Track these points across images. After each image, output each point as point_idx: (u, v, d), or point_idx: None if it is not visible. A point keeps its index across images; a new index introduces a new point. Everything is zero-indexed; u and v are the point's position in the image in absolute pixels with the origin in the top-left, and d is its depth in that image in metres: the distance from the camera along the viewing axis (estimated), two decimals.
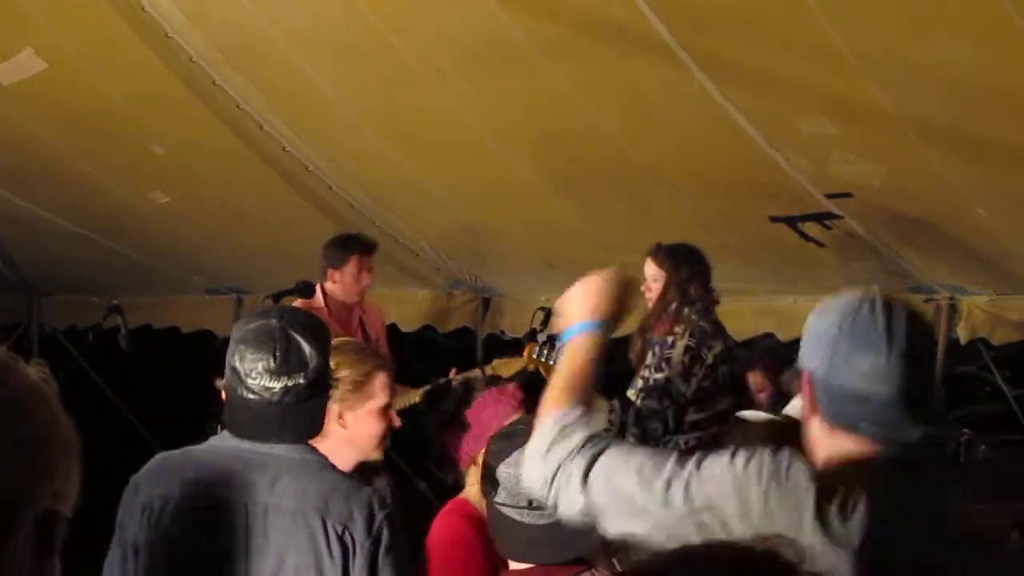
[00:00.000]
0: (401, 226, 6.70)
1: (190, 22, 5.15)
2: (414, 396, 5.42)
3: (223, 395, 2.69)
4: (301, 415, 2.63)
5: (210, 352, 8.12)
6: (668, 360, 4.72)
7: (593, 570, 2.46)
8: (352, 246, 5.84)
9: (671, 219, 5.73)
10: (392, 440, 6.43)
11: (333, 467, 2.68)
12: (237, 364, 2.61)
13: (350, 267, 5.80)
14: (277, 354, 2.58)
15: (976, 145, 4.57)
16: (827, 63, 4.22)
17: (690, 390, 4.70)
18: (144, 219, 6.95)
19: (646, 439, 4.66)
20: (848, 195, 5.11)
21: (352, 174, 6.24)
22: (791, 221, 5.43)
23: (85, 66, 5.50)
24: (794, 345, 6.64)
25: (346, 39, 4.97)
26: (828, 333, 2.03)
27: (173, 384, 8.71)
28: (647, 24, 4.25)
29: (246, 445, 2.62)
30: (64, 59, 5.43)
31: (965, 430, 5.60)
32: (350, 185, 6.33)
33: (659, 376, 4.71)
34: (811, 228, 5.45)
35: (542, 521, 2.44)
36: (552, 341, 4.76)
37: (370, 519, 2.53)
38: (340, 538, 2.52)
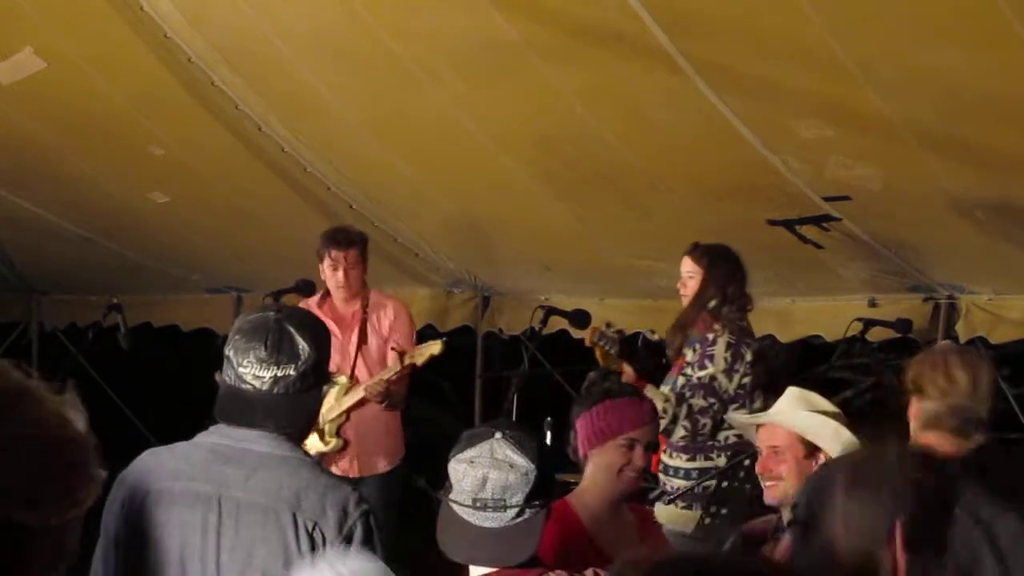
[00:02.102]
0: (400, 226, 6.71)
1: (189, 23, 5.16)
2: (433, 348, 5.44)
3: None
4: (288, 406, 2.64)
5: (210, 351, 8.13)
6: (711, 357, 4.80)
7: (550, 573, 2.47)
8: (324, 239, 5.66)
9: (668, 222, 5.74)
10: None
11: (314, 464, 2.67)
12: (231, 354, 2.64)
13: (325, 262, 5.64)
14: (268, 344, 2.60)
15: (973, 149, 4.58)
16: (825, 68, 4.22)
17: (733, 387, 4.77)
18: (143, 219, 6.96)
19: (696, 435, 4.75)
20: (846, 198, 5.11)
21: (351, 175, 6.24)
22: (789, 224, 5.43)
23: (84, 66, 5.50)
24: (790, 346, 6.62)
25: (344, 42, 4.97)
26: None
27: (173, 383, 8.71)
28: (645, 29, 4.25)
29: (226, 440, 2.64)
30: (63, 59, 5.43)
31: None
32: (349, 186, 6.33)
33: (703, 373, 4.79)
34: (809, 231, 5.46)
35: (487, 523, 2.44)
36: (614, 330, 4.85)
37: (343, 517, 2.53)
38: (310, 534, 2.52)
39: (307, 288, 5.74)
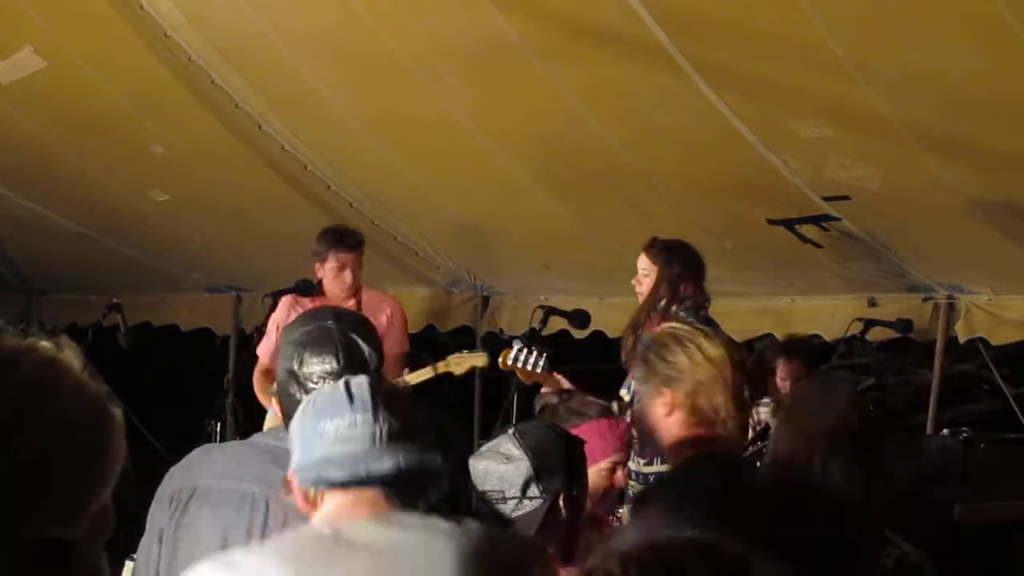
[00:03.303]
0: (400, 225, 6.71)
1: (189, 23, 5.17)
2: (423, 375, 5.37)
3: (275, 402, 2.62)
4: None
5: (210, 350, 8.13)
6: None
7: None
8: (326, 242, 5.53)
9: (668, 222, 5.73)
10: None
11: None
12: (296, 368, 2.53)
13: (330, 264, 5.51)
14: (340, 357, 2.51)
15: (972, 149, 4.58)
16: (824, 68, 4.23)
17: None
18: (143, 217, 6.96)
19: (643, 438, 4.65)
20: (845, 198, 5.11)
21: (350, 174, 6.25)
22: (788, 223, 5.43)
23: (84, 65, 5.51)
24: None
25: (344, 41, 4.98)
26: (297, 424, 2.11)
27: (173, 382, 8.72)
28: (645, 29, 4.26)
29: (283, 444, 2.49)
30: (63, 58, 5.44)
31: (964, 429, 5.61)
32: (349, 185, 6.34)
33: None
34: (808, 230, 5.46)
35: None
36: (530, 346, 4.69)
37: None
38: None
39: (307, 288, 5.70)
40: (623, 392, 4.78)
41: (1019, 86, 4.11)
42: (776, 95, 4.52)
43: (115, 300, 6.33)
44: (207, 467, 2.62)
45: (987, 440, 5.51)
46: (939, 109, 4.37)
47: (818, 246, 5.58)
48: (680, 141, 5.09)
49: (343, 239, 5.55)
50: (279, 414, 2.65)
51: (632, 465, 4.79)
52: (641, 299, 4.79)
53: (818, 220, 5.34)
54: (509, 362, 4.71)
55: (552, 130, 5.26)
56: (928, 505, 5.20)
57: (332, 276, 5.55)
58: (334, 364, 2.52)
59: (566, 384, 4.64)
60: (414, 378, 5.43)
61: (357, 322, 2.66)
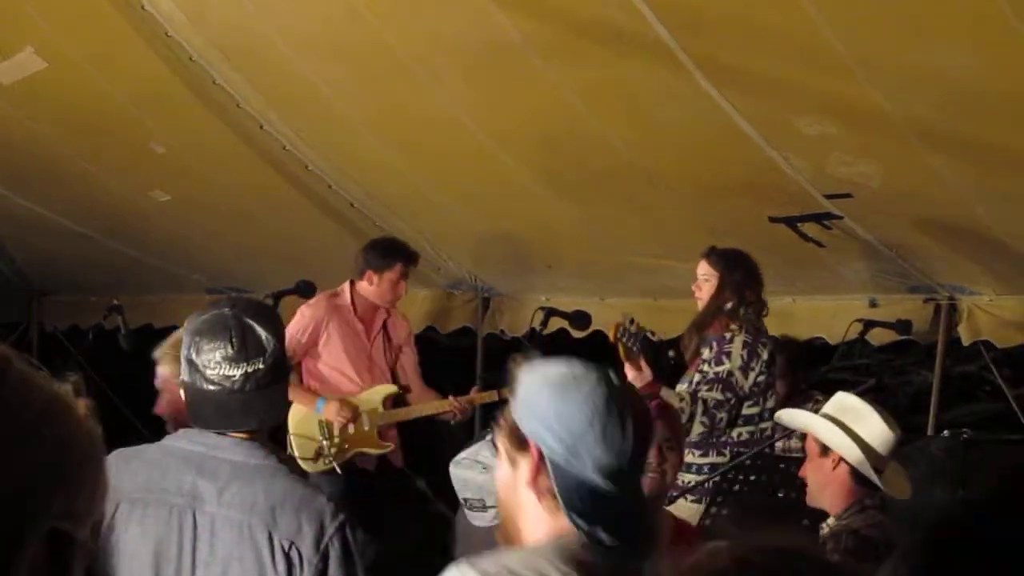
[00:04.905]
0: (401, 225, 6.70)
1: (190, 22, 5.16)
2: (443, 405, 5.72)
3: (182, 393, 2.66)
4: (262, 401, 2.60)
5: None
6: (728, 354, 4.84)
7: None
8: (398, 254, 5.84)
9: (670, 220, 5.74)
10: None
11: (288, 473, 2.62)
12: (194, 356, 2.59)
13: (391, 274, 5.80)
14: (234, 341, 2.56)
15: (974, 147, 4.58)
16: (826, 66, 4.23)
17: (748, 384, 4.82)
18: (145, 218, 6.96)
19: (713, 430, 4.76)
20: (847, 196, 5.12)
21: (352, 174, 6.25)
22: (790, 221, 5.44)
23: (85, 65, 5.50)
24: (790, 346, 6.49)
25: (345, 40, 4.98)
26: (575, 420, 1.93)
27: None
28: (647, 26, 4.25)
29: (199, 447, 2.58)
30: (64, 58, 5.44)
31: (965, 430, 5.61)
32: (350, 184, 6.34)
33: (720, 369, 4.82)
34: (810, 228, 5.46)
35: (477, 522, 2.47)
36: (638, 330, 4.78)
37: (319, 534, 2.50)
38: (286, 553, 2.48)
39: (308, 290, 5.74)
40: (681, 387, 4.89)
41: (1021, 84, 4.11)
42: (778, 92, 4.52)
43: (115, 301, 6.32)
44: (129, 478, 2.60)
45: (988, 441, 5.51)
46: (941, 107, 4.37)
47: (820, 245, 5.58)
48: (682, 139, 5.09)
49: (413, 255, 5.93)
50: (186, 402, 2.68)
51: (687, 457, 4.85)
52: (701, 304, 5.00)
53: (820, 218, 5.35)
54: (618, 335, 4.83)
55: (553, 129, 5.26)
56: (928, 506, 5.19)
57: (389, 285, 5.83)
58: (228, 349, 2.57)
59: (647, 375, 4.75)
60: (430, 408, 5.68)
61: (256, 308, 2.72)
